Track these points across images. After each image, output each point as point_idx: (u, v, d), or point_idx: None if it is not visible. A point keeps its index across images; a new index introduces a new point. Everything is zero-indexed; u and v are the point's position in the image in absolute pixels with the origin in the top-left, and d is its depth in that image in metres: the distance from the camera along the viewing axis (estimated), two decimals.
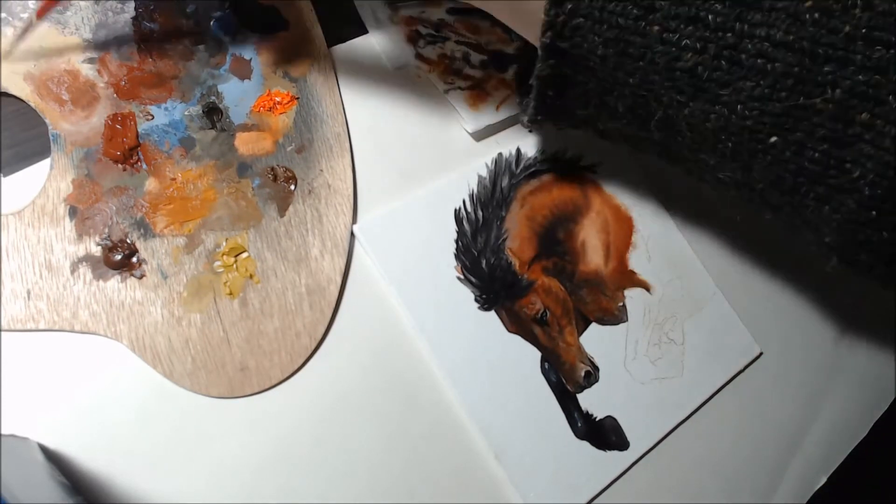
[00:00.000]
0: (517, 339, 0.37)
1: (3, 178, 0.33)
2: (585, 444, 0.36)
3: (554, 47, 0.29)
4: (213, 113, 0.36)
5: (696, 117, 0.29)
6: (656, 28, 0.28)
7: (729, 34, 0.27)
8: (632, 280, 0.40)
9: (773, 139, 0.28)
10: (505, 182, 0.39)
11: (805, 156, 0.27)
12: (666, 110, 0.30)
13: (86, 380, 0.31)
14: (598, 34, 0.28)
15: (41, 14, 0.33)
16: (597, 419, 0.36)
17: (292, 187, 0.36)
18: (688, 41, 0.27)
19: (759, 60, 0.27)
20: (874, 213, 0.27)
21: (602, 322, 0.39)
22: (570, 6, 0.28)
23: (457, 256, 0.37)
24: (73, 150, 0.33)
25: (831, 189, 0.28)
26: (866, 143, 0.26)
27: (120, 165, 0.33)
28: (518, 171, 0.40)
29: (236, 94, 0.36)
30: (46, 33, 0.34)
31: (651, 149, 0.34)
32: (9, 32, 0.34)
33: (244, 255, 0.34)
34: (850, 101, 0.26)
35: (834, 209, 0.28)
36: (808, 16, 0.26)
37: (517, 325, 0.37)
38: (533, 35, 0.31)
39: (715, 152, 0.30)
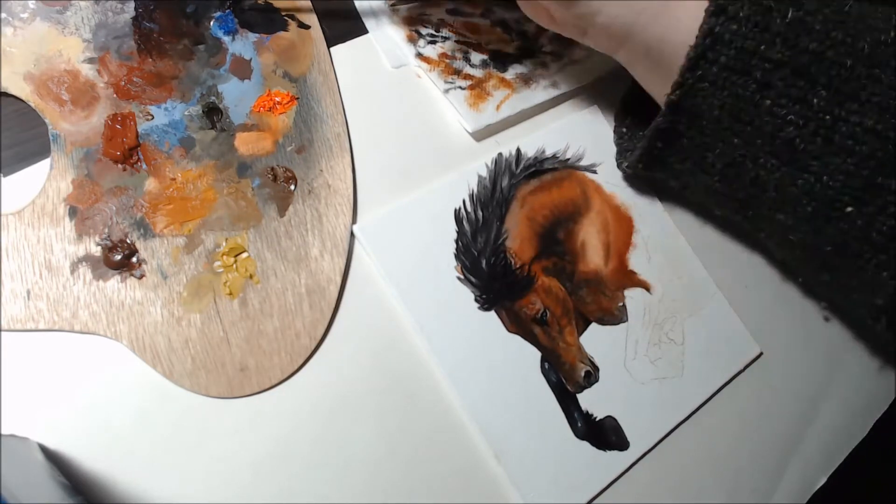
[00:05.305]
0: (517, 339, 0.37)
1: (3, 178, 0.33)
2: (585, 444, 0.36)
3: (678, 105, 0.34)
4: (213, 113, 0.36)
5: (785, 180, 0.33)
6: (768, 102, 0.32)
7: (828, 116, 0.32)
8: (632, 280, 0.40)
9: (850, 209, 0.32)
10: (505, 182, 0.39)
11: (874, 227, 0.32)
12: (759, 171, 0.34)
13: (86, 380, 0.31)
14: (718, 99, 0.33)
15: None
16: (597, 419, 0.36)
17: (292, 187, 0.36)
18: (792, 117, 0.32)
19: (849, 141, 0.31)
20: None
21: (602, 322, 0.39)
22: (699, 73, 0.33)
23: (457, 256, 0.37)
24: (73, 150, 0.33)
25: (892, 257, 0.32)
26: None
27: (120, 165, 0.33)
28: (518, 171, 0.40)
29: (236, 94, 0.36)
30: (46, 33, 0.34)
31: (731, 205, 0.38)
32: (8, 32, 0.34)
33: (244, 255, 0.34)
34: None
35: (892, 275, 0.32)
36: None
37: (517, 325, 0.37)
38: (658, 92, 0.36)
39: (794, 213, 0.34)
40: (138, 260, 0.33)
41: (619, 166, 0.42)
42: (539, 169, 0.41)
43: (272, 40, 0.38)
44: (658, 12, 0.34)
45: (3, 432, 0.29)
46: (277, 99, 0.37)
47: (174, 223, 0.34)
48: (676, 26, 0.34)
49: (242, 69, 0.37)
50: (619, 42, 0.36)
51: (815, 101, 0.32)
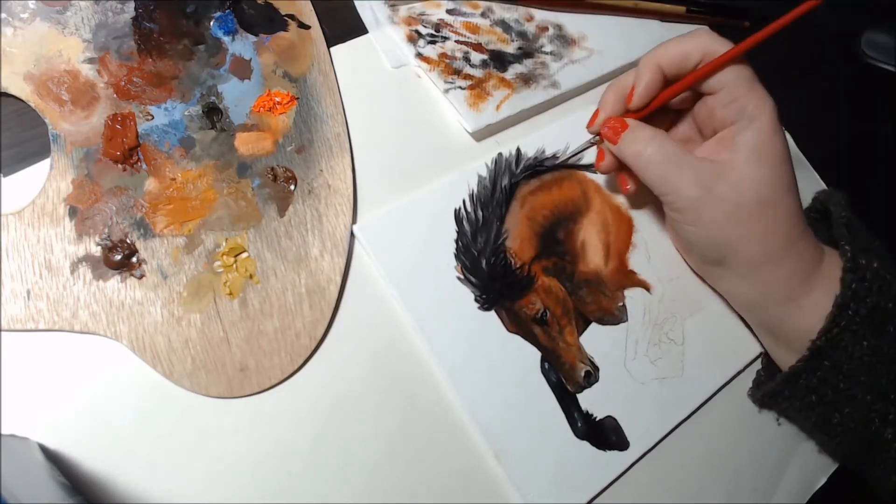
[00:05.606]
0: (517, 339, 0.37)
1: (3, 178, 0.33)
2: (585, 444, 0.36)
3: (819, 351, 0.34)
4: (212, 113, 0.36)
5: None
6: None
7: None
8: (632, 280, 0.40)
9: None
10: (505, 182, 0.39)
11: None
12: (886, 429, 0.34)
13: (86, 380, 0.31)
14: (858, 349, 0.34)
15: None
16: (597, 419, 0.36)
17: (292, 187, 0.36)
18: None
19: None
20: None
21: (602, 322, 0.39)
22: (843, 322, 0.33)
23: (457, 256, 0.37)
24: (73, 150, 0.33)
25: None
26: None
27: (120, 165, 0.33)
28: (518, 171, 0.40)
29: (236, 94, 0.36)
30: (46, 33, 0.34)
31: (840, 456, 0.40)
32: (8, 32, 0.34)
33: (244, 255, 0.34)
34: None
35: None
36: None
37: (517, 325, 0.37)
38: (779, 357, 0.39)
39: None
40: (138, 260, 0.33)
41: (749, 395, 0.41)
42: (539, 169, 0.41)
43: (272, 40, 0.38)
44: (786, 299, 0.36)
45: (3, 432, 0.29)
46: (277, 99, 0.37)
47: (174, 223, 0.34)
48: (801, 313, 0.35)
49: (242, 69, 0.37)
50: (741, 310, 0.40)
51: None
